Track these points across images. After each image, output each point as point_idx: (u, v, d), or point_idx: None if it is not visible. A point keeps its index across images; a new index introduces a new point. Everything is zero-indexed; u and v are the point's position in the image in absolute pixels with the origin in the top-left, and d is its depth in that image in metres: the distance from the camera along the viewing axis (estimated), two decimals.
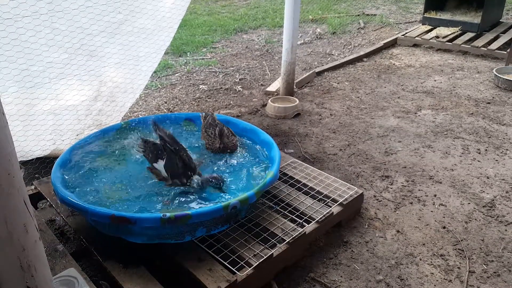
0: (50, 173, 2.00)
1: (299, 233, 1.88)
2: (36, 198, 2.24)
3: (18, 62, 2.26)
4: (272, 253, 1.76)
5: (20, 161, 2.52)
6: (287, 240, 1.84)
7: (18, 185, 0.90)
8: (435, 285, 1.85)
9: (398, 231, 2.19)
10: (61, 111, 2.58)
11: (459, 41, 5.02)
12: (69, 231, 2.09)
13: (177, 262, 1.74)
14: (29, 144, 2.49)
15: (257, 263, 1.70)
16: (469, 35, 5.16)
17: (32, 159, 2.60)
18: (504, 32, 5.26)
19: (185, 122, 2.63)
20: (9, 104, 2.34)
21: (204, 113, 2.47)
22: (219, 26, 6.13)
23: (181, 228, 1.73)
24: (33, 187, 2.24)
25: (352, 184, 2.31)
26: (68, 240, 2.05)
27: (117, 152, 2.32)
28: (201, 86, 4.14)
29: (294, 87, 3.88)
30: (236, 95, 3.96)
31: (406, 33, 5.44)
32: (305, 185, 2.26)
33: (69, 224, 1.97)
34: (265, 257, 1.73)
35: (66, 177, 2.04)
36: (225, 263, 1.70)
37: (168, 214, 1.65)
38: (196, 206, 1.91)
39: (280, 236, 1.86)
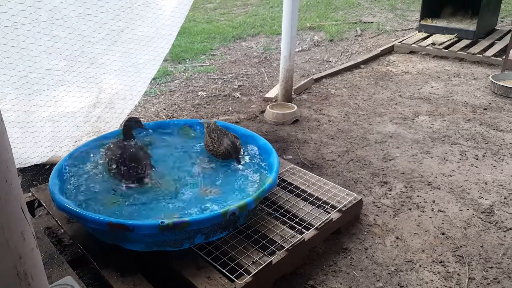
0: (47, 180, 1.99)
1: (298, 240, 1.87)
2: (33, 205, 2.23)
3: (17, 69, 2.26)
4: (271, 260, 1.75)
5: (18, 168, 2.51)
6: (286, 247, 1.83)
7: (16, 192, 0.89)
8: None
9: (397, 238, 2.18)
10: (60, 118, 2.58)
11: (455, 48, 5.07)
12: (67, 239, 2.07)
13: (175, 270, 1.73)
14: (27, 151, 2.48)
15: (256, 270, 1.69)
16: (465, 42, 5.21)
17: (30, 166, 2.59)
18: (499, 39, 5.31)
19: (184, 129, 2.64)
20: (8, 111, 2.34)
21: (206, 122, 2.46)
22: (217, 33, 6.16)
23: (180, 235, 1.72)
24: (30, 194, 2.23)
25: (350, 190, 2.31)
26: (65, 248, 2.04)
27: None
28: (200, 93, 4.15)
29: (293, 93, 3.89)
30: (234, 102, 3.97)
31: (403, 40, 5.48)
32: (304, 191, 2.26)
33: (67, 231, 1.96)
34: (264, 265, 1.72)
35: (64, 184, 2.03)
36: (224, 271, 1.68)
37: (166, 221, 1.64)
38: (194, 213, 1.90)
39: (279, 243, 1.85)
